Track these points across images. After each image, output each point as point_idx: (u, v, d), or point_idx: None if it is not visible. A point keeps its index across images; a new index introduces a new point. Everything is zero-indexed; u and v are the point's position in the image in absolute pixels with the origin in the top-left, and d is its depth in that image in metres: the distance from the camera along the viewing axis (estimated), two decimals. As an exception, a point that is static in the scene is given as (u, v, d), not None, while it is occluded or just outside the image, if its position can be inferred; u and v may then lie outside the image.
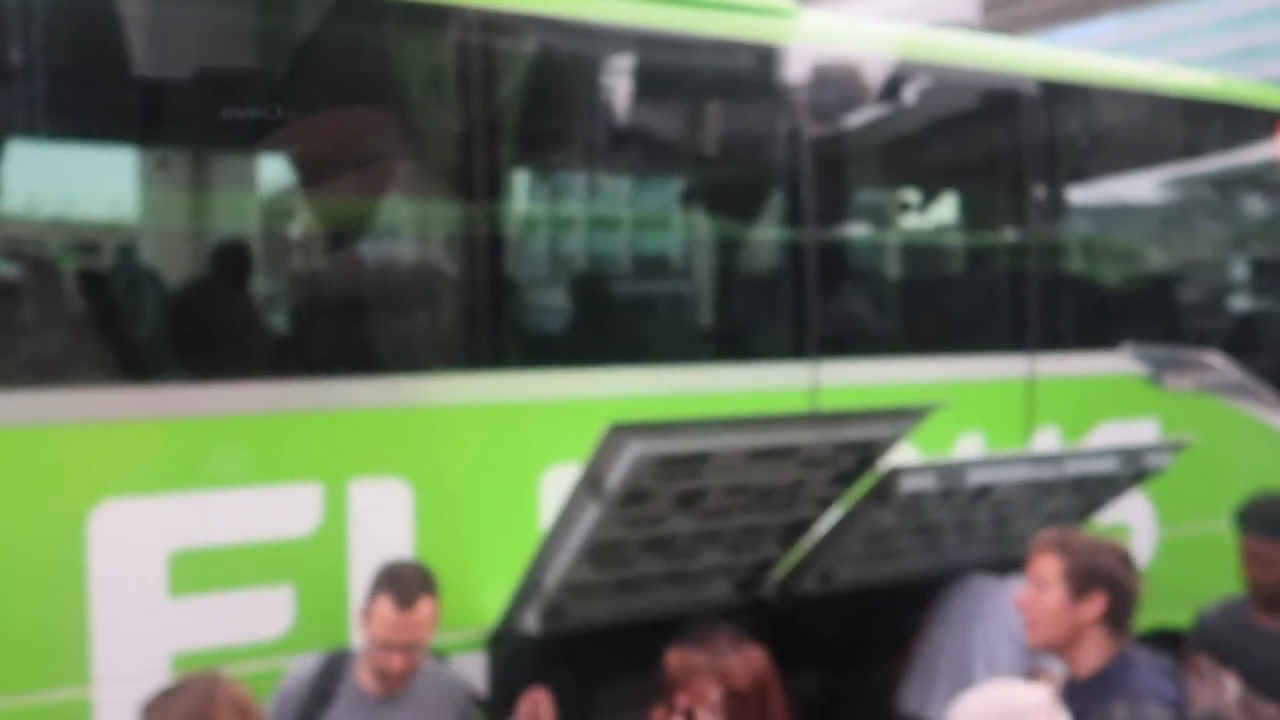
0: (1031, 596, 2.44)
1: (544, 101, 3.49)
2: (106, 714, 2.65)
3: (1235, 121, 4.90)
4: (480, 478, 3.14)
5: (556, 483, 3.09)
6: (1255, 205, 5.33)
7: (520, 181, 3.66)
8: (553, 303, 3.64)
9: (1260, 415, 4.74)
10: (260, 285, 3.16)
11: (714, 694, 2.18)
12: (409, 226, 3.42)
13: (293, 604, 2.84)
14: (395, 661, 2.57)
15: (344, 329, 3.11)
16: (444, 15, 3.08)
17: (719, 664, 2.19)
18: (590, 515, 2.69)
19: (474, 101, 3.17)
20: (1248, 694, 2.26)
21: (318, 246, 3.34)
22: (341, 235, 3.24)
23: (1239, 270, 5.24)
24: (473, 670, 3.05)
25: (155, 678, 2.56)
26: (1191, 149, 4.95)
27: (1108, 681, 2.32)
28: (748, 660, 2.21)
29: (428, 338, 3.27)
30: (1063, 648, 2.41)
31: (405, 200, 3.33)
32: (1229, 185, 5.16)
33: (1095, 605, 2.36)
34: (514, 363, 3.22)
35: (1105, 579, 2.37)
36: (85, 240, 3.03)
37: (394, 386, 3.03)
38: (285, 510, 2.86)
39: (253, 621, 2.83)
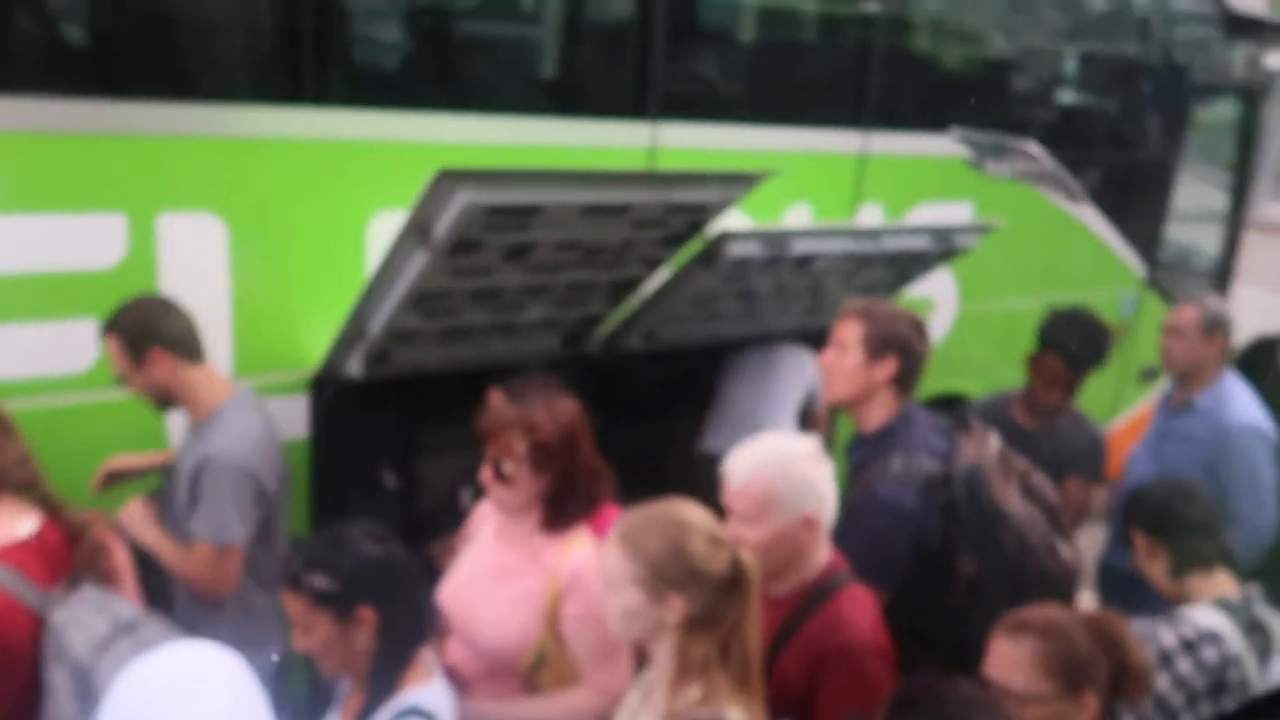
0: (833, 358, 2.61)
1: None
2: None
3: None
4: (303, 219, 3.01)
5: (385, 228, 3.01)
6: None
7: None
8: (386, 37, 3.40)
9: (1063, 204, 5.06)
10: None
11: (520, 446, 2.16)
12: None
13: (97, 339, 2.73)
14: None
15: (155, 46, 2.82)
16: None
17: (525, 417, 2.15)
18: (417, 263, 2.65)
19: None
20: (1005, 450, 2.53)
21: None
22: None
23: (1069, 64, 5.40)
24: (295, 412, 3.06)
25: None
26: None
27: (890, 435, 2.55)
28: (554, 413, 2.17)
29: (248, 64, 3.02)
30: (854, 404, 2.61)
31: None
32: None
33: (887, 368, 2.55)
34: (343, 99, 3.04)
35: (899, 345, 2.56)
36: None
37: (208, 114, 2.81)
38: (82, 241, 2.68)
39: (54, 354, 2.71)
